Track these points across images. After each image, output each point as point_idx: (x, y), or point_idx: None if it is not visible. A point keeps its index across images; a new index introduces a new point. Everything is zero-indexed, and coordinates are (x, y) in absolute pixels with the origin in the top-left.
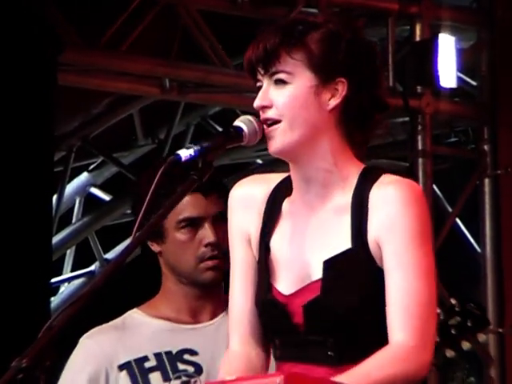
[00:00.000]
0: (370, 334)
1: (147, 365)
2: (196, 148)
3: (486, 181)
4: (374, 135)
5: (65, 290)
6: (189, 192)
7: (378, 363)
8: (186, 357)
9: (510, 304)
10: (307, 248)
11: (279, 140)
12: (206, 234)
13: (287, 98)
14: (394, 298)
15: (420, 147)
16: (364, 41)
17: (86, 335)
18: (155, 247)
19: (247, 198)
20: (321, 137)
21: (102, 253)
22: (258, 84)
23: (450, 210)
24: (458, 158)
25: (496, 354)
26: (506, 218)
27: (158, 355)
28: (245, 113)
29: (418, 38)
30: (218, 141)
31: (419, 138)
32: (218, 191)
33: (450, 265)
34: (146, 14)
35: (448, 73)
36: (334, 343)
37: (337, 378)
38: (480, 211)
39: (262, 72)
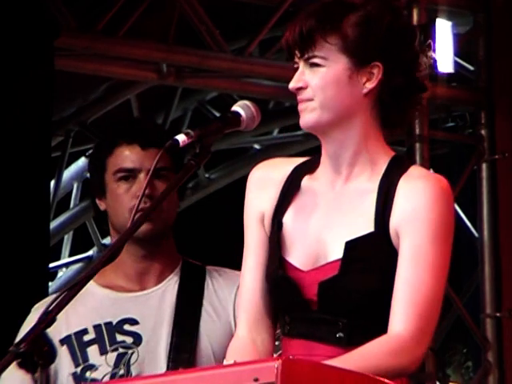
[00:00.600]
0: (382, 319)
1: (86, 338)
2: (193, 133)
3: (484, 166)
4: (411, 116)
5: (63, 275)
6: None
7: (372, 351)
8: (126, 327)
9: (507, 288)
10: (326, 225)
11: (308, 116)
12: (139, 186)
13: (321, 80)
14: (401, 289)
15: (417, 132)
16: (403, 24)
17: (36, 305)
18: (102, 205)
19: (264, 178)
20: (353, 119)
21: (99, 238)
22: (296, 65)
23: None
24: (455, 142)
25: (493, 338)
26: (503, 203)
27: (97, 327)
28: (242, 98)
29: (415, 23)
30: (216, 126)
31: (416, 122)
32: (158, 145)
33: None
34: None
35: (445, 58)
36: (345, 325)
37: (331, 361)
38: (477, 196)
39: (299, 55)
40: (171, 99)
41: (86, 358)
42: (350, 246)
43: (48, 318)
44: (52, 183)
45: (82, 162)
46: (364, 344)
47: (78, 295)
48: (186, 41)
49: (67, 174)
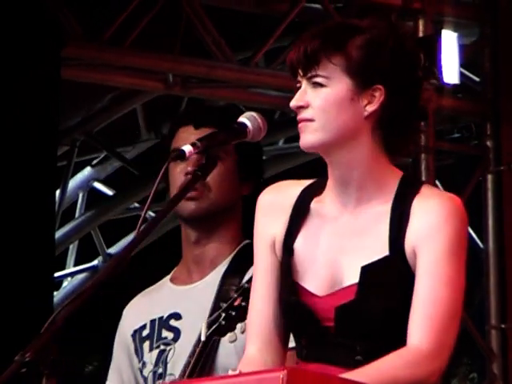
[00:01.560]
0: (400, 342)
1: (144, 333)
2: (200, 144)
3: (489, 177)
4: (411, 142)
5: (68, 284)
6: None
7: (390, 363)
8: (172, 322)
9: None
10: (340, 250)
11: (309, 137)
12: (191, 163)
13: (323, 101)
14: (419, 304)
15: (423, 143)
16: (408, 49)
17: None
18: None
19: (273, 203)
20: (356, 141)
21: (104, 247)
22: (298, 85)
23: None
24: (460, 153)
25: (498, 350)
26: (508, 214)
27: (152, 322)
28: (248, 108)
29: (420, 34)
30: (222, 137)
31: (422, 133)
32: (211, 125)
33: None
34: (149, 8)
35: (451, 69)
36: (363, 348)
37: (347, 375)
38: (483, 207)
39: (302, 74)
40: (177, 109)
41: (142, 354)
42: (366, 270)
43: (53, 328)
44: (57, 193)
45: (87, 171)
46: None
47: (151, 291)
48: (192, 51)
49: (73, 183)
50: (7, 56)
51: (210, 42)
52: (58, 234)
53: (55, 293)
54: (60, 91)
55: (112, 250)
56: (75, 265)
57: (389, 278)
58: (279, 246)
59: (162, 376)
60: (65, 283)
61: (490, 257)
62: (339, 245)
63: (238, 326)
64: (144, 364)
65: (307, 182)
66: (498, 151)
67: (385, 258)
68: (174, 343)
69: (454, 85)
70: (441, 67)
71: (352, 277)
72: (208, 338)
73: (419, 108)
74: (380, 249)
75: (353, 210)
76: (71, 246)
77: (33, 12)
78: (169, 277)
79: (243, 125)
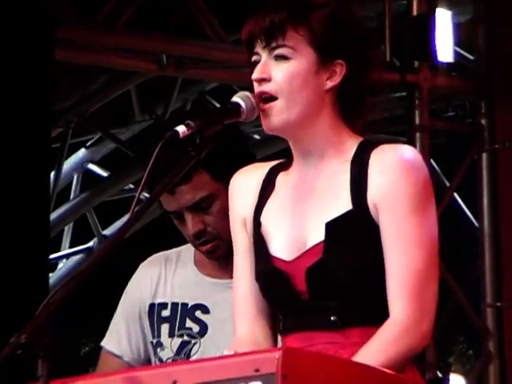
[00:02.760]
0: (373, 296)
1: (163, 313)
2: (193, 124)
3: (484, 155)
4: (368, 117)
5: (63, 266)
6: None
7: (380, 345)
8: (198, 313)
9: (508, 278)
10: (304, 213)
11: (276, 119)
12: (188, 225)
13: (288, 74)
14: (392, 271)
15: (417, 122)
16: (363, 25)
17: (143, 263)
18: None
19: (242, 185)
20: (317, 115)
21: (100, 229)
22: (254, 58)
23: (447, 184)
24: (455, 132)
25: (494, 328)
26: (503, 193)
27: (174, 305)
28: (242, 88)
29: (415, 13)
30: (216, 117)
31: (416, 112)
32: (184, 182)
33: (448, 239)
34: None
35: (445, 47)
36: (336, 307)
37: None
38: (478, 185)
39: (263, 45)
40: (171, 90)
41: (159, 334)
42: (330, 226)
43: (49, 310)
44: (52, 174)
45: (81, 153)
46: (359, 323)
47: (175, 261)
48: (185, 31)
49: (67, 165)
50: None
51: (203, 23)
52: (53, 215)
53: (50, 274)
54: (54, 73)
55: (107, 232)
56: (70, 246)
57: (355, 232)
58: (250, 224)
59: None
60: (60, 265)
61: (485, 235)
62: (303, 209)
63: None
64: (161, 345)
65: (275, 163)
66: (492, 129)
67: (348, 213)
68: (199, 337)
69: (448, 63)
70: (435, 45)
71: (317, 236)
72: None
73: (373, 84)
74: (343, 205)
75: (316, 176)
76: (66, 228)
77: None
78: (191, 256)
79: (237, 104)
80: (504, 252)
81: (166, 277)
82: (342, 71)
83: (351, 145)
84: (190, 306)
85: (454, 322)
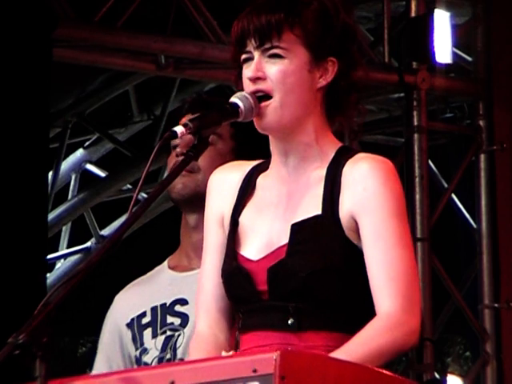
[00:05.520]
0: (333, 302)
1: (144, 321)
2: (192, 124)
3: (482, 156)
4: (351, 116)
5: (61, 266)
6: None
7: (367, 335)
8: (177, 308)
9: (506, 279)
10: (277, 216)
11: (270, 118)
12: (181, 145)
13: (281, 73)
14: (376, 269)
15: (415, 123)
16: (351, 23)
17: (117, 295)
18: None
19: (222, 181)
20: (308, 114)
21: (97, 229)
22: (245, 56)
23: (445, 185)
24: (453, 133)
25: (491, 329)
26: (501, 194)
27: (153, 309)
28: (240, 89)
29: (413, 14)
30: (214, 117)
31: (414, 113)
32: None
33: (446, 240)
34: None
35: (443, 48)
36: (294, 309)
37: (333, 354)
38: (475, 187)
39: (256, 44)
40: (169, 90)
41: (142, 342)
42: (296, 228)
43: (46, 310)
44: (50, 174)
45: (79, 153)
46: (316, 328)
47: (147, 280)
48: (184, 32)
49: (65, 165)
50: None
51: (202, 23)
52: (51, 216)
53: (48, 275)
54: (52, 73)
55: (105, 232)
56: (68, 247)
57: (319, 237)
58: (227, 221)
59: (170, 361)
60: (58, 265)
61: (482, 237)
62: (277, 211)
63: None
64: (145, 350)
65: (256, 162)
66: (490, 131)
67: (315, 217)
68: (182, 328)
69: (447, 64)
70: (433, 47)
71: (285, 237)
72: None
73: (358, 80)
74: (313, 209)
75: (293, 179)
76: (64, 228)
77: None
78: (165, 264)
79: (235, 105)
80: (502, 253)
81: (141, 293)
82: (334, 69)
83: (330, 150)
84: (168, 303)
85: (451, 323)
